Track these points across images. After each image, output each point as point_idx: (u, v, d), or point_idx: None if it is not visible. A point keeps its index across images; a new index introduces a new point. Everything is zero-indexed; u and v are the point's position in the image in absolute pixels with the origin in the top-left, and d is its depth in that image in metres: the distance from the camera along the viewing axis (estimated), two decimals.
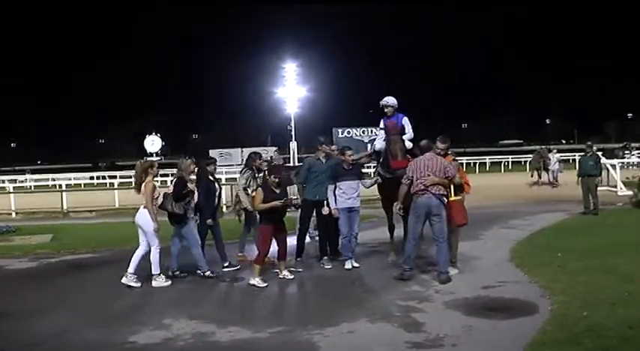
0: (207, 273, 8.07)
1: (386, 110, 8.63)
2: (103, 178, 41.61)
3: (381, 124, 8.73)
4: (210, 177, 8.44)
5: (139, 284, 7.68)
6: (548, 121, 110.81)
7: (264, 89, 56.48)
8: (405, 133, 8.52)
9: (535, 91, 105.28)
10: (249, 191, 8.60)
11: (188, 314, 6.37)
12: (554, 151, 24.50)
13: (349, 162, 8.36)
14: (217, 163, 8.84)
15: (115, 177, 36.88)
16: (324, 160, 8.70)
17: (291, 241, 8.53)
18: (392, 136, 8.40)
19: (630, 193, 15.65)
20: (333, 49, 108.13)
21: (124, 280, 7.72)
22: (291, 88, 44.17)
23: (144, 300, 7.19)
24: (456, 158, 8.38)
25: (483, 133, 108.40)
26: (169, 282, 7.82)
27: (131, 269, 7.72)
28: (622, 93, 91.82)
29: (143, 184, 7.71)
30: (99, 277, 8.57)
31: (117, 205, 19.90)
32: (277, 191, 7.67)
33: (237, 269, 8.53)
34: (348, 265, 8.37)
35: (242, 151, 48.60)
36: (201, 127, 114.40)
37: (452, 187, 7.43)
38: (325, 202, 8.38)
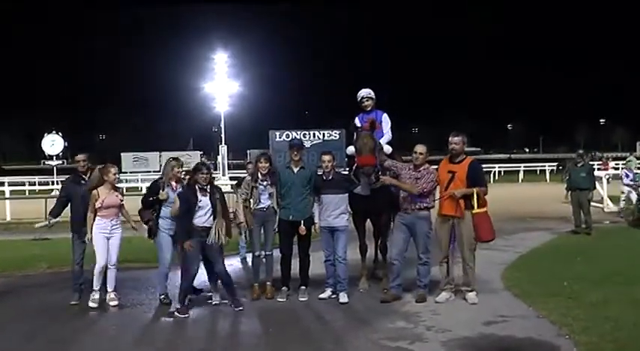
0: (162, 297, 7.97)
1: (365, 104, 8.42)
2: None
3: (357, 122, 8.37)
4: (200, 187, 7.55)
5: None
6: (510, 127, 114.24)
7: (188, 84, 55.61)
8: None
9: (494, 95, 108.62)
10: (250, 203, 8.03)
11: None
12: None
13: (326, 170, 7.86)
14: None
15: (3, 184, 34.96)
16: (295, 169, 7.98)
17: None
18: (362, 131, 8.08)
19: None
20: (270, 38, 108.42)
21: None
22: (222, 83, 43.39)
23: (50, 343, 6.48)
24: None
25: (435, 138, 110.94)
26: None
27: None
28: (593, 97, 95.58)
29: None
30: None
31: (8, 219, 18.81)
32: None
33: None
34: (323, 295, 7.96)
35: (160, 156, 47.03)
36: (109, 127, 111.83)
37: None
38: (302, 221, 7.87)
